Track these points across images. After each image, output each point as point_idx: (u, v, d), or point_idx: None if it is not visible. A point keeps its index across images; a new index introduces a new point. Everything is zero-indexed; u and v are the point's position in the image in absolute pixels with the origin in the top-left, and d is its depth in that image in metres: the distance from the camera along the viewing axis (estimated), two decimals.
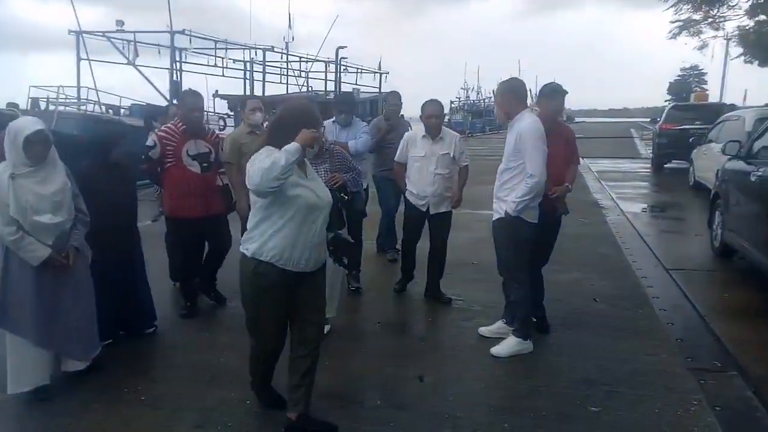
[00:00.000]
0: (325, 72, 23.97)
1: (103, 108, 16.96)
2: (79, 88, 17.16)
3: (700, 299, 4.79)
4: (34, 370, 3.12)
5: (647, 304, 4.64)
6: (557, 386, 3.30)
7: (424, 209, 4.59)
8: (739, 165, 5.46)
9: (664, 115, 14.49)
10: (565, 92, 3.92)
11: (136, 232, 3.94)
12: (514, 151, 3.61)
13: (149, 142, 4.21)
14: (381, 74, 26.94)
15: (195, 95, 4.35)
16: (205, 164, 4.25)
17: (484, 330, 4.05)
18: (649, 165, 15.28)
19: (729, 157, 5.93)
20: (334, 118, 5.34)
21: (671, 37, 21.25)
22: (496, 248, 3.83)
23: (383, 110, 6.28)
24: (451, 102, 48.23)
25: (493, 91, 4.15)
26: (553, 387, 3.29)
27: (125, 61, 17.27)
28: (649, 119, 18.46)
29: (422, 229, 4.75)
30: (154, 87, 17.29)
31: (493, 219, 3.79)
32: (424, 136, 4.56)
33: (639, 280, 5.28)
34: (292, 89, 24.47)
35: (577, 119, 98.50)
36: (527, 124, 3.58)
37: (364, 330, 4.21)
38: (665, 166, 14.26)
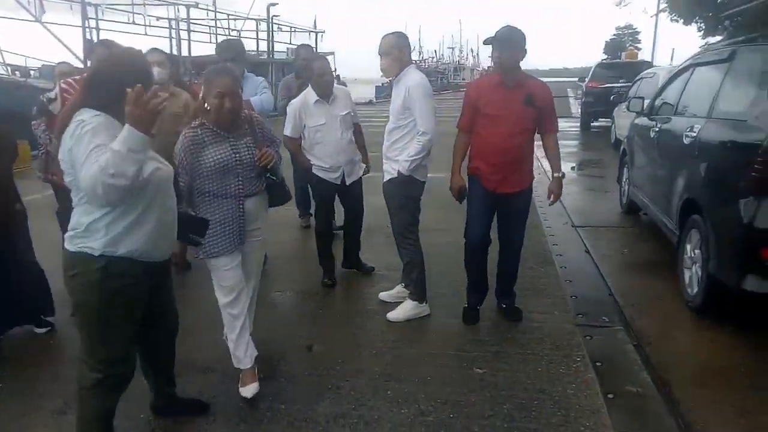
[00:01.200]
0: (256, 31, 23.09)
1: (9, 69, 15.69)
2: None
3: (599, 255, 4.90)
4: None
5: (549, 261, 4.70)
6: (447, 350, 3.28)
7: (339, 182, 4.13)
8: (643, 121, 5.55)
9: (590, 73, 14.72)
10: (519, 41, 3.27)
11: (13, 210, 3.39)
12: (402, 108, 3.47)
13: (51, 95, 3.73)
14: (317, 33, 26.17)
15: (100, 45, 3.86)
16: None
17: (384, 295, 3.99)
18: (578, 124, 15.59)
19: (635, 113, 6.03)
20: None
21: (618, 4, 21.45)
22: (389, 210, 3.71)
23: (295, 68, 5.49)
24: None
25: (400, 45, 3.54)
26: (443, 351, 3.27)
27: (32, 18, 15.94)
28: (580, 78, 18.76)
29: (333, 203, 4.32)
30: (66, 46, 16.06)
31: (384, 180, 3.66)
32: (317, 100, 3.99)
33: (546, 238, 5.35)
34: None
35: None
36: (415, 79, 3.46)
37: (265, 299, 4.06)
38: (592, 124, 14.57)
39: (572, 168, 9.46)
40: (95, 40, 16.72)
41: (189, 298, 3.68)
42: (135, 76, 1.99)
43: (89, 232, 2.00)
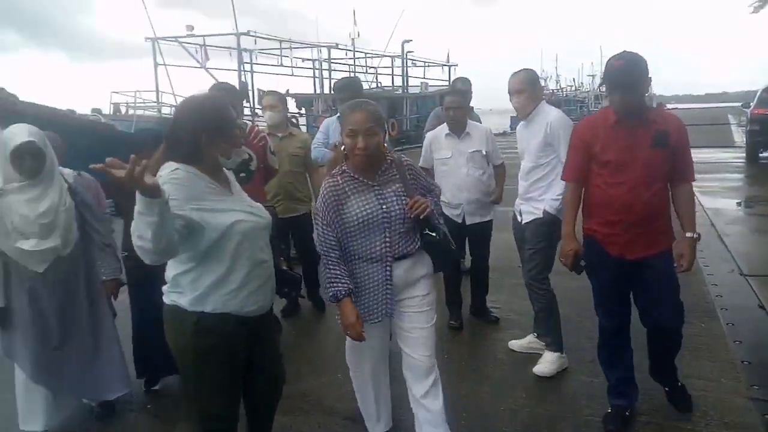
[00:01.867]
0: (392, 67, 23.89)
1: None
2: (158, 92, 18.10)
3: None
4: (36, 409, 2.83)
5: (712, 316, 4.04)
6: (584, 413, 2.89)
7: (459, 220, 3.93)
8: None
9: (756, 98, 13.01)
10: (643, 73, 2.53)
11: None
12: (543, 145, 3.28)
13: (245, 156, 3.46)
14: (450, 66, 26.44)
15: (219, 89, 3.50)
16: (242, 174, 3.33)
17: (514, 344, 3.67)
18: (743, 154, 13.83)
19: None
20: (338, 114, 3.85)
21: (753, 12, 19.10)
22: (526, 252, 3.43)
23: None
24: None
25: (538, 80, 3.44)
26: (581, 414, 2.88)
27: (198, 65, 18.00)
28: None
29: (462, 245, 4.04)
30: None
31: (524, 221, 3.41)
32: (448, 134, 3.92)
33: (707, 287, 4.63)
34: None
35: (668, 106, 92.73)
36: (554, 114, 3.28)
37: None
38: (760, 155, 12.83)
39: (738, 204, 8.33)
40: (248, 81, 18.45)
41: (317, 329, 3.67)
42: (213, 124, 1.91)
43: (178, 286, 1.95)
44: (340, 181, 2.27)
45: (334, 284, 2.24)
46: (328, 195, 2.24)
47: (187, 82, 21.55)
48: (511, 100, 3.42)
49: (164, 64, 17.74)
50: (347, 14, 23.98)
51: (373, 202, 2.25)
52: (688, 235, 2.63)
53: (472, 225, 3.95)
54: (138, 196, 1.60)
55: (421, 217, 2.26)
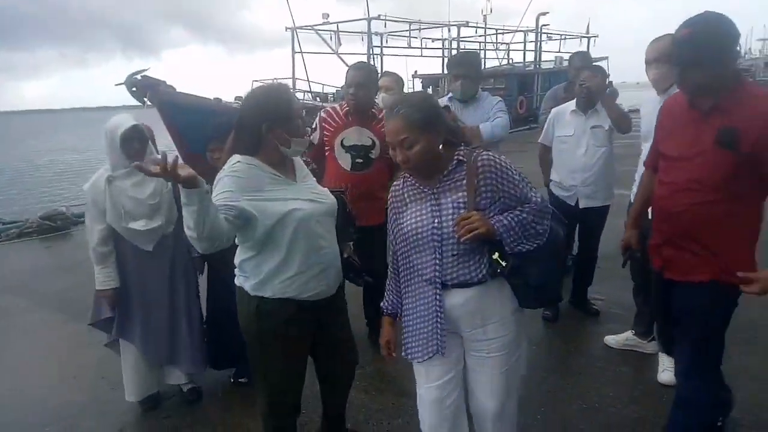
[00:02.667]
0: (524, 42, 22.94)
1: (311, 95, 18.84)
2: (294, 79, 19.28)
3: None
4: (142, 379, 3.08)
5: None
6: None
7: (572, 202, 3.72)
8: None
9: None
10: (721, 43, 1.95)
11: None
12: None
13: (313, 124, 3.46)
14: (589, 38, 24.74)
15: (356, 68, 3.30)
16: (359, 159, 3.28)
17: (610, 339, 3.52)
18: None
19: None
20: (449, 94, 3.65)
21: None
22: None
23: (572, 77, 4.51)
24: None
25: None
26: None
27: (330, 51, 18.82)
28: None
29: (572, 229, 3.82)
30: None
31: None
32: (573, 110, 3.70)
33: None
34: (491, 63, 23.98)
35: None
36: None
37: None
38: None
39: None
40: (378, 64, 18.94)
41: None
42: (273, 115, 2.01)
43: (242, 270, 2.13)
44: (401, 187, 2.00)
45: (385, 297, 2.12)
46: (391, 202, 2.03)
47: (322, 68, 22.67)
48: (647, 71, 2.98)
49: (300, 52, 18.80)
50: None
51: (426, 213, 1.88)
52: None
53: (585, 209, 3.71)
54: (179, 188, 1.74)
55: (462, 240, 1.79)
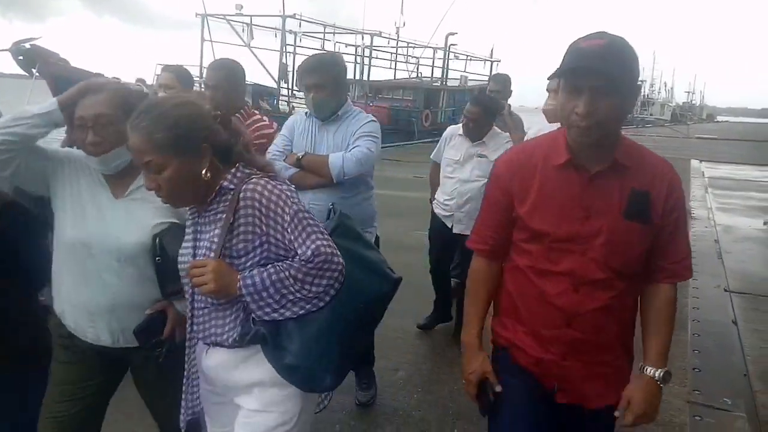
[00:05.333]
0: (433, 58, 23.92)
1: None
2: (201, 67, 18.70)
3: (749, 329, 4.25)
4: None
5: (682, 326, 4.19)
6: None
7: (449, 224, 3.75)
8: None
9: None
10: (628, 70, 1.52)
11: None
12: None
13: None
14: (492, 62, 26.29)
15: (213, 69, 2.92)
16: None
17: None
18: None
19: None
20: (306, 110, 2.79)
21: None
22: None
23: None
24: None
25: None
26: None
27: (242, 44, 18.53)
28: None
29: (453, 251, 3.86)
30: (265, 68, 18.37)
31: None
32: (460, 134, 3.71)
33: (687, 300, 4.77)
34: (401, 75, 24.75)
35: (719, 118, 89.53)
36: None
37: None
38: None
39: (765, 223, 8.12)
40: (289, 63, 18.89)
41: None
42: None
43: None
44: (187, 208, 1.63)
45: None
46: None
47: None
48: (546, 100, 2.87)
49: (210, 41, 18.32)
50: (396, 2, 24.08)
51: (187, 247, 1.58)
52: (648, 369, 1.57)
53: (458, 235, 3.69)
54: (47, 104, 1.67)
55: (198, 293, 1.52)
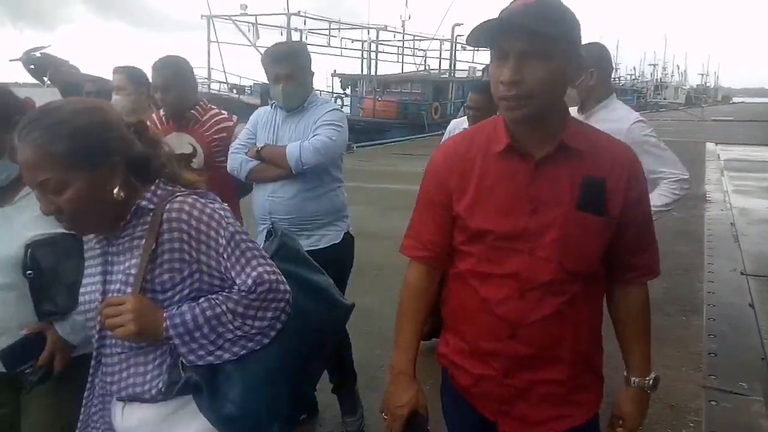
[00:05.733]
0: (440, 50, 23.84)
1: (228, 87, 18.52)
2: (209, 68, 18.85)
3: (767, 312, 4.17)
4: None
5: (696, 310, 4.14)
6: None
7: None
8: None
9: None
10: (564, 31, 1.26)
11: None
12: None
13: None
14: None
15: (157, 68, 2.67)
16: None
17: None
18: None
19: None
20: (273, 101, 2.59)
21: None
22: None
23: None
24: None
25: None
26: None
27: (248, 44, 18.59)
28: None
29: None
30: None
31: None
32: (466, 127, 3.52)
33: (702, 284, 4.70)
34: (409, 68, 24.69)
35: (735, 99, 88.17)
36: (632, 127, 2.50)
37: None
38: None
39: None
40: None
41: None
42: None
43: None
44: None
45: None
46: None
47: (239, 59, 22.26)
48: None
49: (217, 41, 18.43)
50: None
51: (95, 281, 1.32)
52: (636, 380, 1.42)
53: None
54: None
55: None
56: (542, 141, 1.26)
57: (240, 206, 2.74)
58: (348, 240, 2.63)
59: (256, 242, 1.32)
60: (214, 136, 2.68)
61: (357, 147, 13.80)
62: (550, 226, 1.27)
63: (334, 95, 21.24)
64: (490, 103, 3.50)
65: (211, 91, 17.01)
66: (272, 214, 2.46)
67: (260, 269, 1.26)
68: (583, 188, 1.26)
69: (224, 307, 1.23)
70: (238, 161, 2.48)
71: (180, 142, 2.62)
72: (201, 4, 18.58)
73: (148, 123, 2.46)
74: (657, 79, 62.63)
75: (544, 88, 1.18)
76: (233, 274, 1.25)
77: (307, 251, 2.32)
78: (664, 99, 55.68)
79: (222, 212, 1.28)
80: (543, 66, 1.15)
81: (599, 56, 2.48)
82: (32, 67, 3.25)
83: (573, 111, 2.46)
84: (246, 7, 18.64)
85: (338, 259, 2.50)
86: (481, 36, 1.19)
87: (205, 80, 18.25)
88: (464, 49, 25.48)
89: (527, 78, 1.16)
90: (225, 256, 1.25)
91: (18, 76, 3.75)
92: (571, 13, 1.19)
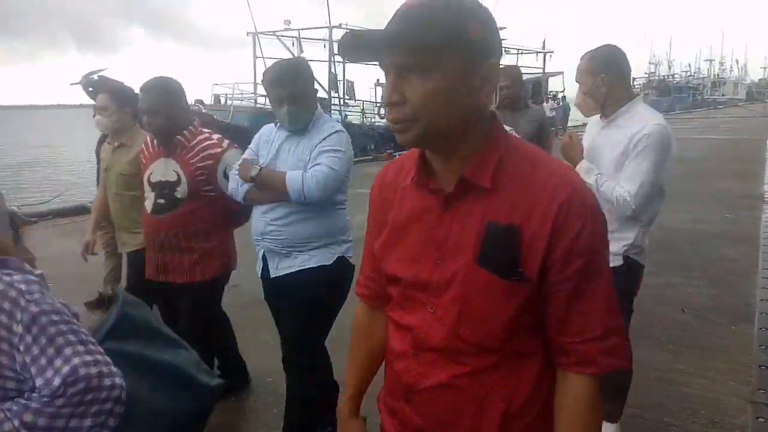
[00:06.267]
0: None
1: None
2: (255, 84, 19.36)
3: None
4: None
5: (746, 319, 3.91)
6: None
7: None
8: None
9: None
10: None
11: None
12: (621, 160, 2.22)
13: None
14: (545, 53, 25.63)
15: (143, 91, 2.54)
16: (161, 200, 2.57)
17: None
18: None
19: None
20: (277, 121, 2.44)
21: None
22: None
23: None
24: (633, 79, 44.62)
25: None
26: None
27: (293, 58, 19.01)
28: None
29: None
30: (316, 80, 18.68)
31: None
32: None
33: (754, 291, 4.44)
34: None
35: None
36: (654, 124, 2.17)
37: None
38: None
39: None
40: (339, 73, 19.21)
41: None
42: None
43: None
44: None
45: None
46: None
47: None
48: (577, 95, 2.43)
49: (263, 57, 18.90)
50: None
51: None
52: None
53: None
54: None
55: None
56: (453, 172, 1.00)
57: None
58: (342, 265, 2.40)
59: (75, 322, 1.01)
60: (199, 164, 2.55)
61: (396, 155, 13.81)
62: (453, 281, 1.00)
63: (377, 104, 21.40)
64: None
65: (257, 106, 17.46)
66: (264, 235, 2.37)
67: (75, 361, 0.96)
68: (485, 237, 0.97)
69: (15, 423, 0.93)
70: (235, 182, 2.40)
71: (166, 170, 2.57)
72: (248, 21, 19.07)
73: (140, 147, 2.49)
74: (714, 75, 59.85)
75: (428, 108, 0.94)
76: (34, 371, 0.94)
77: (297, 271, 2.33)
78: (723, 95, 53.18)
79: (24, 287, 0.96)
80: (423, 82, 0.93)
81: (607, 60, 2.29)
82: (90, 89, 3.55)
83: (595, 119, 2.42)
84: (289, 22, 19.06)
85: (327, 282, 2.35)
86: (357, 49, 1.01)
87: (252, 95, 18.78)
88: (507, 52, 25.19)
89: (408, 97, 0.94)
90: (21, 348, 0.94)
91: (81, 97, 4.11)
92: (466, 10, 0.93)
